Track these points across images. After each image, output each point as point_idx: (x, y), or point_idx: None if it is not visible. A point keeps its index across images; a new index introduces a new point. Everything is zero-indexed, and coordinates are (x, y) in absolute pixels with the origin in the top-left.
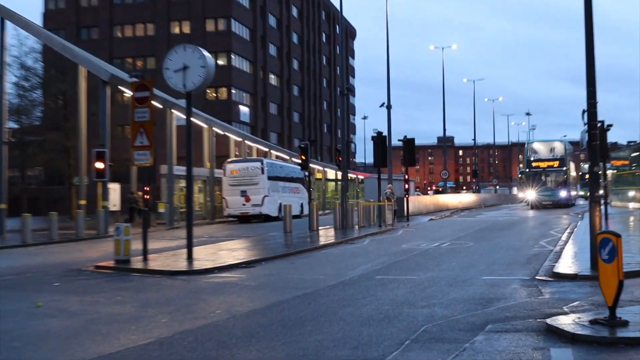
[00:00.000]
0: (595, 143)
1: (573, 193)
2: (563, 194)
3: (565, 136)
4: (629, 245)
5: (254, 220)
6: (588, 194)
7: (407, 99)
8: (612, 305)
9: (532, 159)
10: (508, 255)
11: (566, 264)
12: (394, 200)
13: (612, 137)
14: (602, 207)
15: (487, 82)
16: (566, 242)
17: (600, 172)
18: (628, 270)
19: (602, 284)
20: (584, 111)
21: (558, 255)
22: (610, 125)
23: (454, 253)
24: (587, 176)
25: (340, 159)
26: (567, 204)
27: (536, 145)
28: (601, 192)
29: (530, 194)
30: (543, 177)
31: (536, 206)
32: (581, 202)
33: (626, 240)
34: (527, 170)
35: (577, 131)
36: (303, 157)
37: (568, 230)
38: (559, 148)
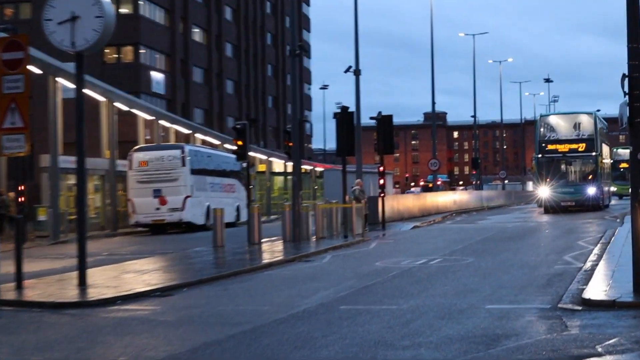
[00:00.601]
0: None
1: (606, 189)
2: (591, 190)
3: (599, 110)
4: None
5: (172, 230)
6: (623, 190)
7: (384, 62)
8: None
9: (546, 139)
10: (521, 275)
11: (600, 287)
12: (365, 201)
13: None
14: None
15: (492, 37)
16: (600, 256)
17: None
18: None
19: None
20: (624, 76)
21: (589, 274)
22: None
23: (448, 273)
24: (621, 165)
25: (290, 144)
26: (598, 205)
27: (553, 120)
28: None
29: (543, 191)
30: (563, 167)
31: (552, 208)
32: (614, 201)
33: None
34: (540, 156)
35: (614, 104)
36: (240, 143)
37: (602, 241)
38: (587, 124)
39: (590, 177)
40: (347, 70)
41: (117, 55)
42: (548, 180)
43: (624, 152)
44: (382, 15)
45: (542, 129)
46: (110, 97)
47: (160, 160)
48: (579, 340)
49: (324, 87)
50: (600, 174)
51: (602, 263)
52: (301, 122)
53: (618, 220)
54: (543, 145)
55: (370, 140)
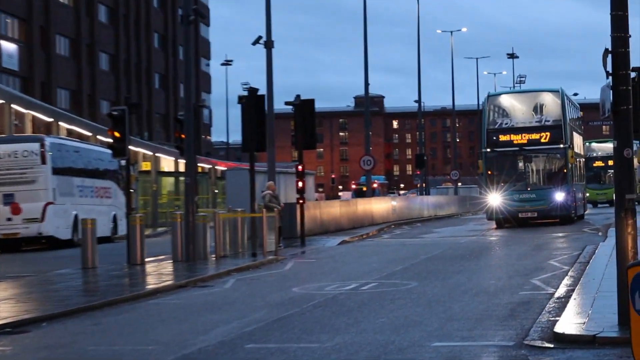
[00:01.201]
0: (626, 107)
1: (580, 194)
2: (559, 196)
3: (575, 94)
4: None
5: (28, 246)
6: (597, 196)
7: (304, 31)
8: None
9: (497, 127)
10: (477, 304)
11: (577, 319)
12: (279, 209)
13: None
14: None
15: (442, 0)
16: (577, 280)
17: (634, 158)
18: None
19: (636, 350)
20: (607, 52)
21: (563, 303)
22: None
23: (384, 301)
24: (595, 164)
25: (183, 136)
26: (568, 216)
27: (506, 101)
28: (638, 192)
29: (493, 198)
30: (520, 164)
31: (506, 221)
32: (590, 210)
33: None
34: (489, 150)
35: (596, 87)
36: (117, 135)
37: (580, 260)
38: (552, 106)
39: (558, 177)
40: (256, 42)
41: None
42: (500, 183)
43: (599, 147)
44: None
45: (491, 114)
46: None
47: (13, 157)
48: None
49: (227, 63)
50: (571, 174)
51: (579, 288)
52: (197, 108)
53: (600, 233)
54: (492, 135)
55: (287, 131)
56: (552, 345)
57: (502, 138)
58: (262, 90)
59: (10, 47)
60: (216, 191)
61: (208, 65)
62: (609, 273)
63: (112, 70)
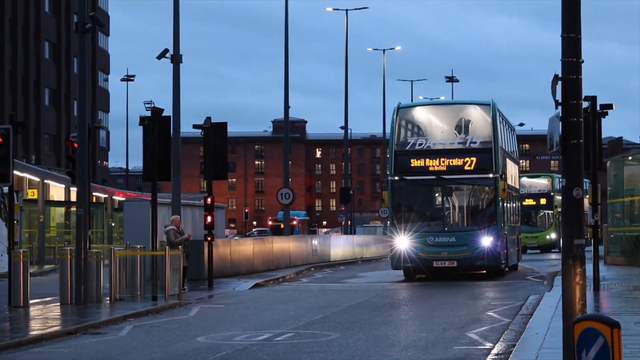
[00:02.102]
0: (576, 142)
1: (513, 237)
2: (486, 240)
3: (521, 124)
4: (636, 341)
5: None
6: (527, 240)
7: (217, 45)
8: None
9: (408, 148)
10: (405, 359)
11: None
12: (184, 246)
13: (610, 128)
14: (589, 265)
15: (373, 14)
16: (519, 334)
17: (584, 198)
18: None
19: None
20: (556, 78)
21: (502, 359)
22: (609, 107)
23: (302, 354)
24: (526, 202)
25: (75, 158)
26: (497, 266)
27: (421, 114)
28: (587, 236)
29: (401, 242)
30: (437, 197)
31: (416, 271)
32: (532, 257)
33: (633, 332)
34: (397, 178)
35: (544, 117)
36: None
37: (522, 311)
38: (480, 123)
39: (485, 216)
40: (162, 55)
41: None
42: (410, 221)
43: (530, 183)
44: None
45: (401, 131)
46: None
47: None
48: None
49: (128, 79)
50: (502, 212)
51: (521, 343)
52: (93, 129)
53: (545, 282)
54: (402, 159)
55: (195, 157)
56: None
57: (415, 163)
58: (168, 111)
59: None
60: (113, 224)
61: (106, 80)
62: (554, 327)
63: None
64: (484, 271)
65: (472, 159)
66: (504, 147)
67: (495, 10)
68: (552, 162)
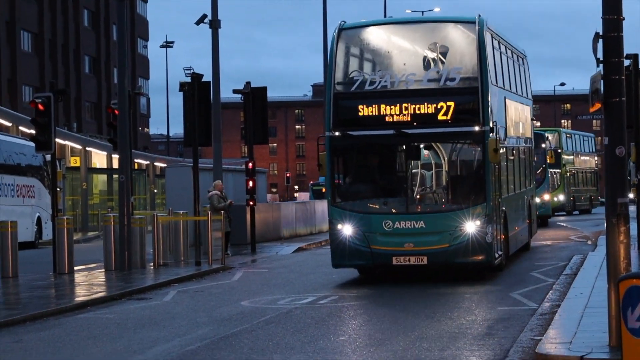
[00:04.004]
0: (618, 99)
1: (516, 217)
2: (469, 227)
3: (563, 84)
4: None
5: None
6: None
7: (255, 10)
8: None
9: (355, 88)
10: (453, 319)
11: (562, 338)
12: (227, 211)
13: None
14: (633, 224)
15: None
16: (563, 293)
17: (629, 156)
18: None
19: None
20: (597, 36)
21: (547, 320)
22: None
23: (345, 316)
24: (552, 160)
25: (116, 125)
26: (486, 261)
27: (373, 38)
28: (631, 195)
29: (344, 228)
30: (397, 163)
31: (367, 269)
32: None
33: None
34: (337, 134)
35: (585, 76)
36: (41, 125)
37: (566, 271)
38: (460, 49)
39: (468, 189)
40: (200, 21)
41: None
42: (357, 198)
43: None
44: None
45: (343, 64)
46: None
47: None
48: None
49: (167, 45)
50: (493, 182)
51: (565, 303)
52: (133, 96)
53: (589, 242)
54: (345, 104)
55: (235, 123)
56: None
57: (364, 111)
58: (207, 77)
59: None
60: (155, 191)
61: (145, 47)
62: (598, 287)
63: (35, 52)
64: (467, 265)
65: (448, 103)
66: (499, 84)
67: None
68: (594, 121)
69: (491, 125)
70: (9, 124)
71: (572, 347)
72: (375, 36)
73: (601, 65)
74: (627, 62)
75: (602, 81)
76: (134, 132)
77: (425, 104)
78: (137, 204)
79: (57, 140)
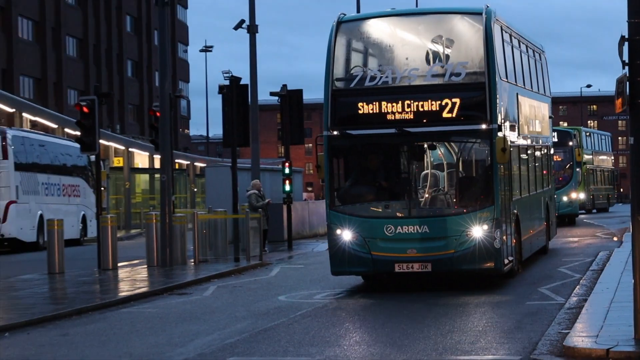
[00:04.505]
0: None
1: (530, 220)
2: (476, 231)
3: (589, 86)
4: None
5: None
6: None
7: (292, 15)
8: None
9: (354, 85)
10: (485, 313)
11: (589, 331)
12: (265, 210)
13: None
14: None
15: None
16: (590, 288)
17: None
18: None
19: None
20: (623, 39)
21: (574, 314)
22: None
23: (381, 311)
24: (579, 158)
25: (157, 127)
26: (496, 268)
27: (374, 31)
28: None
29: (343, 233)
30: (399, 163)
31: (368, 276)
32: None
33: None
34: (335, 134)
35: (611, 78)
36: (86, 127)
37: (593, 267)
38: (467, 43)
39: (475, 191)
40: (238, 26)
41: None
42: (357, 201)
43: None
44: None
45: (343, 59)
46: None
47: None
48: None
49: (207, 49)
50: (503, 182)
51: (592, 298)
52: (174, 99)
53: (615, 239)
54: (344, 102)
55: (272, 124)
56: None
57: (364, 109)
58: (245, 79)
59: None
60: (195, 190)
61: (186, 51)
62: (624, 282)
63: (80, 56)
64: (476, 271)
65: (453, 100)
66: (510, 79)
67: None
68: (620, 122)
69: (499, 122)
70: (55, 126)
71: (599, 340)
72: (376, 29)
73: (627, 68)
74: None
75: (627, 83)
76: (174, 133)
77: (429, 100)
78: (178, 202)
79: (101, 141)
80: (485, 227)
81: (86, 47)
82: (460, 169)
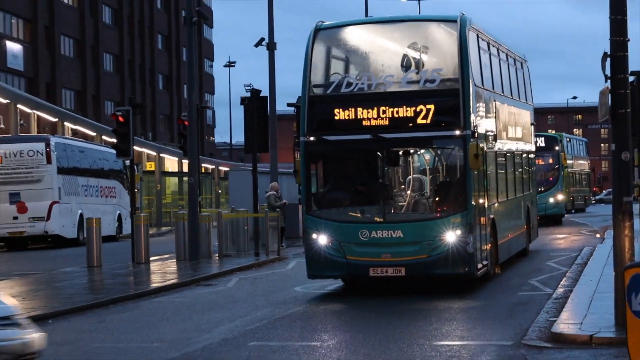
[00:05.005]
0: (624, 111)
1: (506, 225)
2: (450, 236)
3: (575, 98)
4: None
5: (34, 245)
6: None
7: (306, 33)
8: None
9: (330, 91)
10: (487, 299)
11: (574, 319)
12: (282, 209)
13: None
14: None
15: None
16: (575, 280)
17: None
18: None
19: (632, 350)
20: (605, 55)
21: (560, 303)
22: None
23: (388, 299)
24: (565, 162)
25: (186, 135)
26: (469, 272)
27: (350, 38)
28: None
29: (320, 238)
30: (375, 169)
31: (343, 278)
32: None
33: None
34: (312, 139)
35: (595, 90)
36: (121, 134)
37: (578, 261)
38: (442, 50)
39: (448, 197)
40: (258, 44)
41: None
42: (332, 205)
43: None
44: None
45: (319, 66)
46: None
47: (19, 156)
48: None
49: (230, 65)
50: (477, 187)
51: (577, 289)
52: (200, 109)
53: (597, 235)
54: (320, 108)
55: (289, 132)
56: (549, 345)
57: (340, 115)
58: (265, 92)
59: (15, 47)
60: (219, 191)
61: (211, 66)
62: (606, 274)
63: (116, 71)
64: (449, 275)
65: (428, 106)
66: (487, 86)
67: None
68: (602, 130)
69: (473, 129)
70: (94, 134)
71: (583, 327)
72: (353, 36)
73: (609, 81)
74: (631, 79)
75: (609, 95)
76: (201, 140)
77: (404, 107)
78: (204, 202)
79: (135, 147)
80: (459, 232)
81: (122, 63)
82: (435, 174)
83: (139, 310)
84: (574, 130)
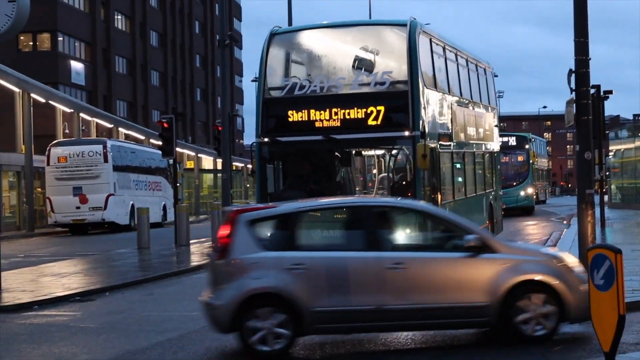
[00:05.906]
0: (586, 118)
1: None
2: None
3: (545, 107)
4: (633, 264)
5: (93, 230)
6: None
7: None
8: (609, 351)
9: (284, 93)
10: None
11: None
12: None
13: (610, 108)
14: (597, 209)
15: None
16: None
17: (592, 160)
18: (632, 300)
19: (594, 320)
20: (570, 72)
21: None
22: (609, 92)
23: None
24: (534, 159)
25: (220, 138)
26: None
27: (304, 41)
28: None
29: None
30: (330, 171)
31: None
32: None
33: (630, 257)
34: (266, 140)
35: (562, 101)
36: (166, 138)
37: (548, 244)
38: (389, 47)
39: (399, 195)
40: None
41: (33, 43)
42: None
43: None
44: (319, 1)
45: (274, 69)
46: (25, 88)
47: (81, 156)
48: None
49: (256, 80)
50: (427, 188)
51: None
52: (232, 117)
53: (565, 222)
54: (274, 109)
55: None
56: None
57: (293, 117)
58: None
59: (78, 66)
60: (248, 185)
61: (241, 81)
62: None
63: (161, 85)
64: None
65: (378, 108)
66: (440, 89)
67: (508, 20)
68: (568, 134)
69: (422, 130)
70: (143, 138)
71: None
72: (307, 40)
73: (574, 93)
74: (592, 91)
75: (574, 105)
76: (232, 143)
77: (355, 108)
78: (235, 195)
79: (177, 149)
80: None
81: (166, 78)
82: (385, 174)
83: (181, 284)
84: (544, 134)
